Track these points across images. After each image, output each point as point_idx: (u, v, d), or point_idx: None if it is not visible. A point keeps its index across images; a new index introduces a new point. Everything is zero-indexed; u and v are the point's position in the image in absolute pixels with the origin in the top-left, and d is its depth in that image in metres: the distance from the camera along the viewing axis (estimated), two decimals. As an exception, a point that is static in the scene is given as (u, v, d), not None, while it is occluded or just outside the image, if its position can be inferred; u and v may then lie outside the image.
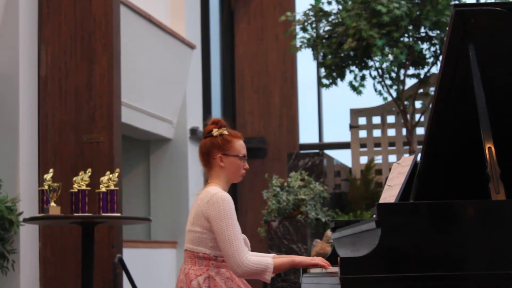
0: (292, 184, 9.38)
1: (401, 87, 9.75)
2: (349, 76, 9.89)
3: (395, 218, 3.49)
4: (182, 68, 10.94)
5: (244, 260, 3.82)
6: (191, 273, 3.92)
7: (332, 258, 4.36)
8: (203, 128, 11.79)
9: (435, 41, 9.58)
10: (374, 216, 3.53)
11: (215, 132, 4.08)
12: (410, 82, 10.35)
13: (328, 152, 11.28)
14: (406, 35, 9.42)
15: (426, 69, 9.85)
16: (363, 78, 9.76)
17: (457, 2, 9.24)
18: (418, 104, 10.37)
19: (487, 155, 3.65)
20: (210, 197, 3.92)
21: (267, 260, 3.88)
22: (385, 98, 9.94)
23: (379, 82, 9.77)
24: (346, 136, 11.64)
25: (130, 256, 8.66)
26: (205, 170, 4.11)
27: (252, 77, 12.62)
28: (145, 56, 9.92)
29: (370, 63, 9.65)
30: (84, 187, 6.19)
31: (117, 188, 6.31)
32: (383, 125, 11.11)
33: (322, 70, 10.08)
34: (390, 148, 11.08)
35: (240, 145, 4.09)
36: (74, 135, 7.99)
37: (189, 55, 11.10)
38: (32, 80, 7.99)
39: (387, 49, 9.33)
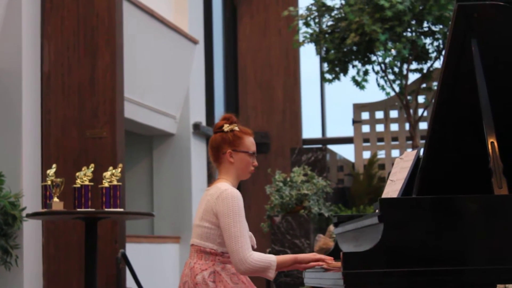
0: (295, 179, 9.37)
1: (404, 82, 9.74)
2: (352, 71, 9.87)
3: (397, 213, 3.49)
4: (185, 63, 10.94)
5: (247, 257, 3.83)
6: (197, 268, 3.92)
7: (335, 253, 4.36)
8: (206, 123, 11.81)
9: (438, 35, 9.56)
10: (377, 211, 3.53)
11: (226, 127, 4.06)
12: (413, 77, 10.34)
13: (331, 147, 11.28)
14: (409, 29, 9.40)
15: (429, 64, 9.84)
16: (366, 73, 9.75)
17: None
18: (421, 98, 10.36)
19: (490, 150, 3.65)
20: (220, 193, 3.91)
21: (270, 257, 3.88)
22: (388, 93, 9.93)
23: (382, 77, 9.75)
24: (349, 131, 11.64)
25: (133, 251, 8.67)
26: (214, 166, 4.11)
27: (255, 72, 12.61)
28: (148, 51, 9.92)
29: (373, 58, 9.64)
30: (87, 183, 6.19)
31: (120, 183, 6.31)
32: (386, 120, 11.10)
33: (325, 65, 10.07)
34: (393, 143, 11.07)
35: (250, 142, 4.08)
36: (77, 131, 8.00)
37: (192, 50, 11.09)
38: (35, 75, 8.00)
39: (390, 44, 9.32)
